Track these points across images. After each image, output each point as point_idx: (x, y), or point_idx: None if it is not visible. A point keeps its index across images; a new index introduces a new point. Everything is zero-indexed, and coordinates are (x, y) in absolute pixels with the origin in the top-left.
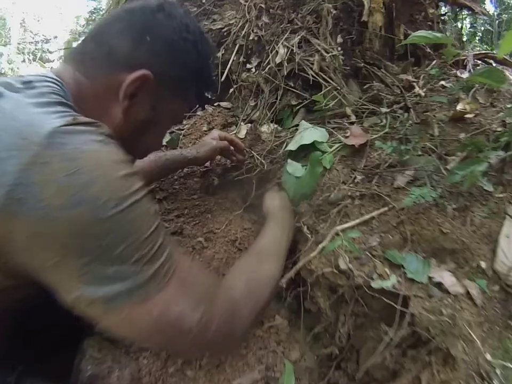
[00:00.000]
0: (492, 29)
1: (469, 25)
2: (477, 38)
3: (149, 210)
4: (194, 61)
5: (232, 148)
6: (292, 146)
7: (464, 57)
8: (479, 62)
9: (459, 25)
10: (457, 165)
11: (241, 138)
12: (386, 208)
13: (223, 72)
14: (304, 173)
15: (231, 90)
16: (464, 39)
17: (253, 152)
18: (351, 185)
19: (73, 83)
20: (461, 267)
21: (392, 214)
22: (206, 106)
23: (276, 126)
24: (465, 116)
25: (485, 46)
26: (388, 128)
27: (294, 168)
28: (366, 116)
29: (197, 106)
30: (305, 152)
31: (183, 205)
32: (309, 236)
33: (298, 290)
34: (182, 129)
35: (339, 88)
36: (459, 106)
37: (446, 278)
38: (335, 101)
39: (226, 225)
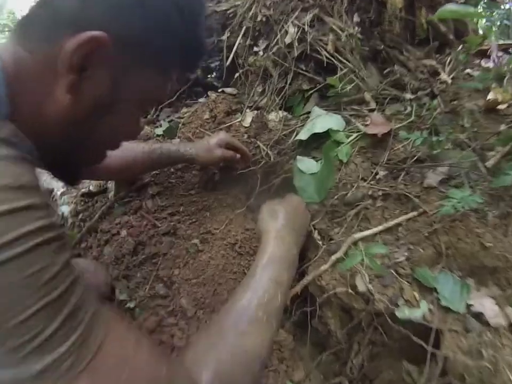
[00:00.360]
0: (508, 23)
1: (484, 20)
2: (493, 32)
3: (39, 274)
4: (173, 19)
5: (238, 155)
6: (303, 135)
7: (487, 48)
8: (501, 53)
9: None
10: (506, 163)
11: (246, 127)
12: (415, 213)
13: (229, 57)
14: (320, 168)
15: (237, 75)
16: (480, 32)
17: (258, 142)
18: (371, 182)
19: (12, 61)
20: (503, 289)
21: (423, 221)
22: (209, 92)
23: (285, 113)
24: (498, 106)
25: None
26: (414, 117)
27: (307, 164)
28: (388, 103)
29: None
30: (318, 142)
31: (179, 202)
32: (320, 243)
33: (305, 307)
34: (182, 118)
35: (357, 70)
36: (491, 96)
37: (488, 306)
38: (352, 85)
39: (226, 225)
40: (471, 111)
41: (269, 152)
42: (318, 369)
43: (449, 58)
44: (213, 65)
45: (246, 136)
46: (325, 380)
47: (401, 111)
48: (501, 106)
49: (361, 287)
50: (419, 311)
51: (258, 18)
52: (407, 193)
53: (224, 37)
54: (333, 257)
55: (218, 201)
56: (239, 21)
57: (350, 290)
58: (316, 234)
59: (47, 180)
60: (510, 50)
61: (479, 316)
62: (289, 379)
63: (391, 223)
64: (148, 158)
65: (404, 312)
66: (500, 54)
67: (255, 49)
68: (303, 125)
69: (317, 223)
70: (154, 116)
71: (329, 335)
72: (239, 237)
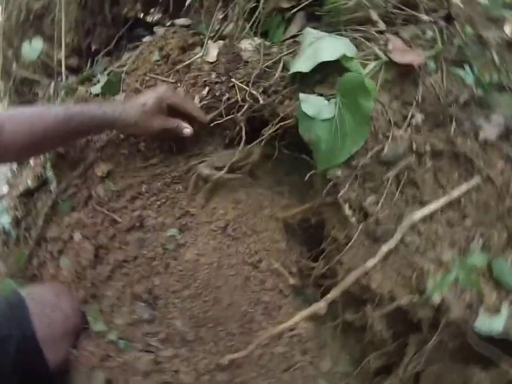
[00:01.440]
0: None
1: None
2: None
3: None
4: None
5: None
6: (304, 65)
7: None
8: None
9: None
10: None
11: (212, 62)
12: (478, 180)
13: None
14: (338, 112)
15: (189, 1)
16: None
17: (233, 80)
18: (408, 130)
19: None
20: None
21: (490, 192)
22: (155, 28)
23: (261, 40)
24: None
25: None
26: (441, 45)
27: (315, 105)
28: (401, 24)
29: None
30: (321, 74)
31: (139, 179)
32: (353, 220)
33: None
34: (125, 65)
35: None
36: (509, 27)
37: None
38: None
39: (209, 201)
40: (498, 44)
41: (252, 91)
42: (344, 350)
43: None
44: None
45: (214, 74)
46: (352, 361)
47: (420, 35)
48: None
49: (436, 298)
50: (500, 319)
51: None
52: (466, 151)
53: None
54: (384, 248)
55: (191, 167)
56: None
57: (417, 299)
58: (346, 210)
59: None
60: None
61: None
62: (317, 372)
63: (455, 193)
64: (62, 129)
65: (485, 323)
66: None
67: None
68: (290, 53)
69: (344, 193)
70: (89, 71)
71: (371, 332)
72: (230, 216)
